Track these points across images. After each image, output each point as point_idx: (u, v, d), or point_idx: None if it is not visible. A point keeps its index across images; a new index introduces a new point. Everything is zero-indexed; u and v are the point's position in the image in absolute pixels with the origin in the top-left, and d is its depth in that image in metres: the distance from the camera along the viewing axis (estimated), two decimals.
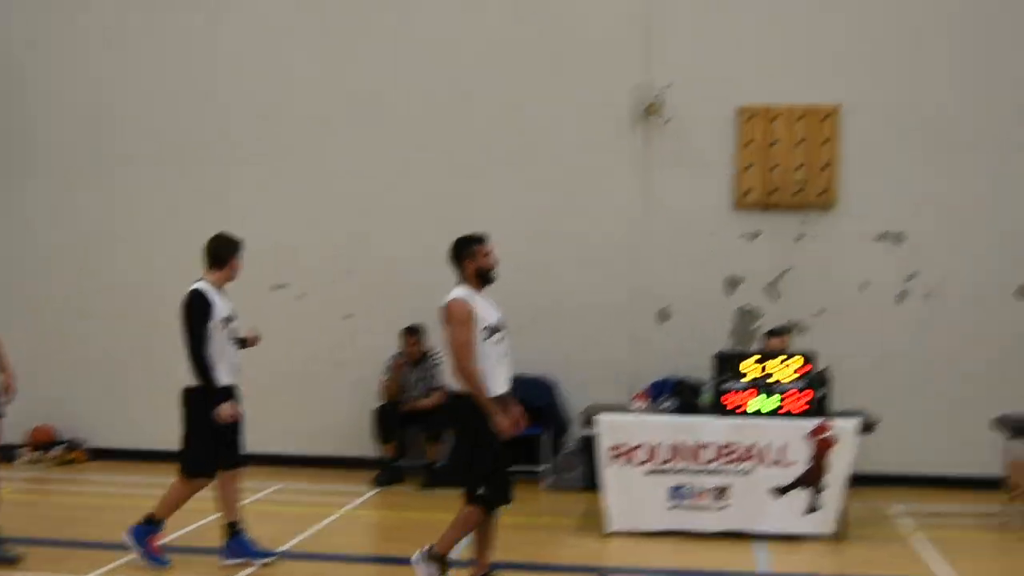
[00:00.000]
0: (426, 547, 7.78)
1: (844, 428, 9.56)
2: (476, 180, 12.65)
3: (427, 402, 12.08)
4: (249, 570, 8.46)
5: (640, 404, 10.12)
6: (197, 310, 8.48)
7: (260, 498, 11.31)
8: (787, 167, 12.21)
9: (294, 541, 9.50)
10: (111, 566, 8.50)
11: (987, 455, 11.05)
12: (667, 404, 10.23)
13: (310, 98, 12.94)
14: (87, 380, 13.13)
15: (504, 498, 7.74)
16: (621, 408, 10.21)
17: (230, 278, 8.80)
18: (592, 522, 9.82)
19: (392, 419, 12.13)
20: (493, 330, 7.65)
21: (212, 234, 8.83)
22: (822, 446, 9.55)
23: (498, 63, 12.68)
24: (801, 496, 9.58)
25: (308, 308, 12.90)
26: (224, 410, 8.45)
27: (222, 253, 8.74)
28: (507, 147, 12.63)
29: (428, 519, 10.03)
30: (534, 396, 11.73)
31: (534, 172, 12.57)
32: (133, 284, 13.07)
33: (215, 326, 8.49)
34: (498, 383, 7.66)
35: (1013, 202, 12.02)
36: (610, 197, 12.48)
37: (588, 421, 10.02)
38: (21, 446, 12.95)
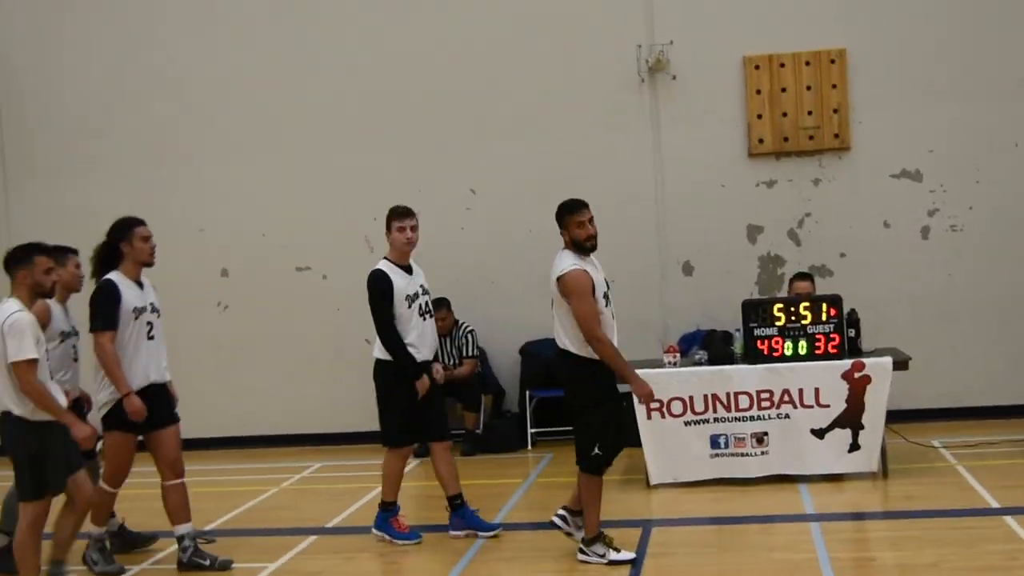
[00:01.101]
0: (580, 541, 7.84)
1: (879, 366, 9.62)
2: (487, 148, 12.74)
3: (461, 372, 12.16)
4: (307, 542, 8.59)
5: (672, 357, 10.17)
6: (372, 293, 8.42)
7: (305, 476, 11.50)
8: (798, 113, 12.24)
9: (342, 516, 9.67)
10: (158, 557, 8.65)
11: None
12: (699, 355, 10.30)
13: (322, 81, 13.01)
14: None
15: (611, 458, 7.78)
16: (654, 363, 10.28)
17: (401, 248, 8.54)
18: (636, 476, 9.92)
19: None
20: (606, 295, 7.68)
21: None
22: (858, 385, 9.62)
23: (501, 28, 12.71)
24: (841, 436, 9.65)
25: (332, 287, 12.98)
26: (421, 383, 8.42)
27: (387, 225, 8.57)
28: (517, 114, 12.68)
29: (470, 486, 10.12)
30: None
31: (545, 137, 12.62)
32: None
33: (400, 304, 8.39)
34: None
35: None
36: (624, 156, 12.54)
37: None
38: None
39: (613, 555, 7.73)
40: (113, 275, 7.99)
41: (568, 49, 12.58)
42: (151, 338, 8.06)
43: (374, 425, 12.68)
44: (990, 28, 12.06)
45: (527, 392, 12.39)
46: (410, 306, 8.45)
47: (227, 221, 13.11)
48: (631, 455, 10.70)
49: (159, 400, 8.11)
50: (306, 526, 9.27)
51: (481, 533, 8.61)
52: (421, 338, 8.49)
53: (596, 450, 7.65)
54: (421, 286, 8.59)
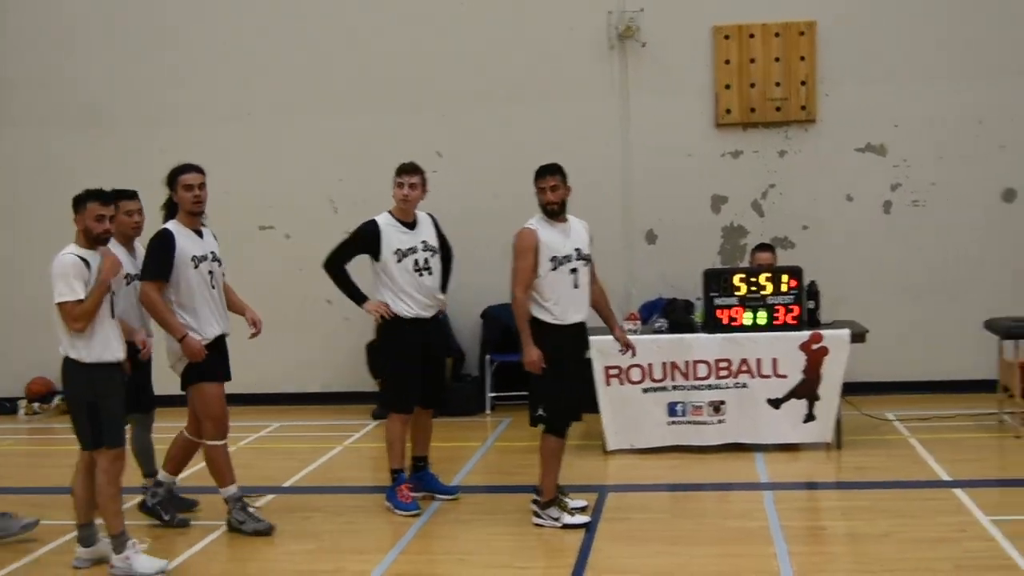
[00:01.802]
0: (533, 503, 7.89)
1: (836, 338, 9.69)
2: (454, 112, 12.68)
3: None
4: (263, 501, 8.58)
5: (632, 325, 10.20)
6: (352, 234, 8.43)
7: (263, 436, 11.50)
8: (766, 84, 12.25)
9: (299, 475, 9.68)
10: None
11: (979, 359, 11.20)
12: (659, 323, 10.34)
13: (289, 44, 12.95)
14: None
15: (569, 418, 7.86)
16: None
17: (398, 202, 8.38)
18: (593, 442, 9.96)
19: None
20: (562, 261, 7.71)
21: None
22: (815, 357, 9.69)
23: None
24: (797, 407, 9.72)
25: (295, 247, 12.92)
26: (368, 306, 8.35)
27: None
28: (485, 78, 12.62)
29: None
30: None
31: (513, 102, 12.58)
32: None
33: (388, 258, 8.26)
34: (567, 312, 7.74)
35: (994, 106, 12.08)
36: (591, 123, 12.51)
37: None
38: (20, 399, 13.05)
39: (568, 519, 7.78)
40: (170, 224, 7.81)
41: (538, 14, 12.54)
42: (213, 287, 7.87)
43: (334, 386, 12.89)
44: (959, 5, 12.09)
45: (487, 356, 12.43)
46: (399, 260, 8.33)
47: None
48: (589, 420, 10.77)
49: (221, 353, 8.00)
50: (263, 485, 9.24)
51: (439, 495, 8.63)
52: (409, 293, 8.35)
53: (541, 411, 7.76)
54: (423, 242, 8.44)
